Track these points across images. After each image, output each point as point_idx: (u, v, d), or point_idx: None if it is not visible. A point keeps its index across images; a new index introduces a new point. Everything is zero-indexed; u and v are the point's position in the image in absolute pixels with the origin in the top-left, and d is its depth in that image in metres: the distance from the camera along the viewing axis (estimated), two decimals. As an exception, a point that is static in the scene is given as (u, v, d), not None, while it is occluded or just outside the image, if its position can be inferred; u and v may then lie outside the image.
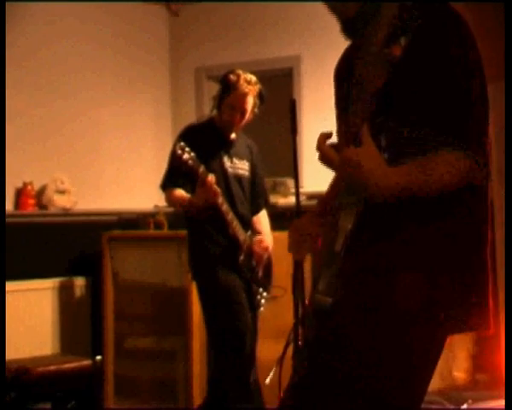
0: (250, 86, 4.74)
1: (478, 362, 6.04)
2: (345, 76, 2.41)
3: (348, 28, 2.34)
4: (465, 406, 5.09)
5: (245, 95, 4.73)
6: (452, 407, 4.99)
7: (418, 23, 2.12)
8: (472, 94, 2.18)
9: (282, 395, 2.42)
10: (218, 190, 4.64)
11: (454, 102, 2.16)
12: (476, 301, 2.24)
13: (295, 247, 2.52)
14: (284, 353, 2.55)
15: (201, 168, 4.60)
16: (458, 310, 2.22)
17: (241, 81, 4.73)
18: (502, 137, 5.73)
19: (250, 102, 4.77)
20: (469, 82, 2.19)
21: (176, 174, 4.77)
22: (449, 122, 2.15)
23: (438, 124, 2.15)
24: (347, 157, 2.13)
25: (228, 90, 4.75)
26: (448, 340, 2.28)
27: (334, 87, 2.49)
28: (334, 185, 2.42)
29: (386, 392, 2.17)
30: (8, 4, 5.36)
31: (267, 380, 3.60)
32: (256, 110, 4.84)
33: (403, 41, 2.04)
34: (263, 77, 5.02)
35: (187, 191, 4.76)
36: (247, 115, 4.81)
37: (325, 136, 2.22)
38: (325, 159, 2.22)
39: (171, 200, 4.88)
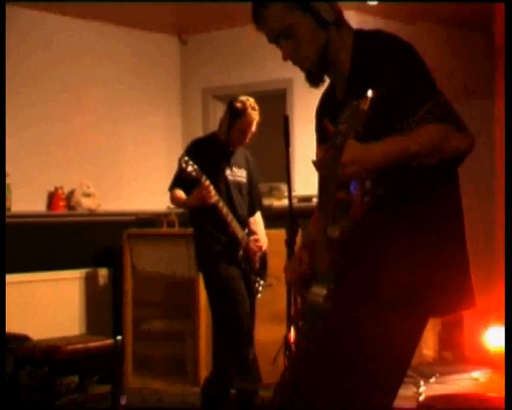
0: (255, 112, 4.75)
1: (444, 341, 6.04)
2: (325, 114, 2.36)
3: (309, 78, 2.30)
4: (433, 379, 5.10)
5: (253, 121, 4.75)
6: (423, 380, 4.99)
7: (373, 50, 2.16)
8: (436, 90, 2.16)
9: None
10: (213, 192, 4.65)
11: (428, 98, 2.13)
12: (458, 286, 2.21)
13: (292, 283, 2.47)
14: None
15: (203, 178, 4.60)
16: (441, 295, 2.18)
17: (249, 109, 4.72)
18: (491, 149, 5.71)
19: (255, 124, 4.80)
20: (432, 82, 2.18)
21: (180, 180, 4.79)
22: (430, 110, 2.12)
23: (422, 115, 2.12)
24: (347, 156, 2.08)
25: (238, 116, 4.74)
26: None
27: (315, 123, 2.45)
28: (315, 222, 2.36)
29: (377, 369, 2.14)
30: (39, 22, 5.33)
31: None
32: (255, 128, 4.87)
33: (370, 93, 2.00)
34: (260, 96, 5.03)
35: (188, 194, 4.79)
36: (252, 135, 4.84)
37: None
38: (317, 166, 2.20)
39: (172, 198, 4.89)
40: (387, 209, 2.20)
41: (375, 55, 2.18)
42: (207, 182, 4.61)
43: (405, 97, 2.13)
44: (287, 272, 2.49)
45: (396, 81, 2.11)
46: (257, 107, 4.78)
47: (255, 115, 4.75)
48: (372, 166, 2.11)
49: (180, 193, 4.78)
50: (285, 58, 2.29)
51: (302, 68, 2.29)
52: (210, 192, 4.62)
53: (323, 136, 2.25)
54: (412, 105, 2.13)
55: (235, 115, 4.74)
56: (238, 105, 4.74)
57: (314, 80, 2.29)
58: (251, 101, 4.77)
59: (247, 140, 4.84)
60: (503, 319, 5.61)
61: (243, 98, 4.77)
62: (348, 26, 2.30)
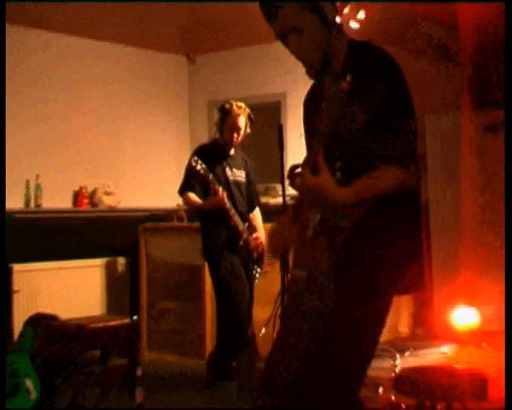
0: (240, 109, 4.78)
1: (417, 320, 6.05)
2: (311, 107, 2.37)
3: (311, 72, 2.27)
4: (407, 353, 5.11)
5: (237, 115, 4.76)
6: (398, 353, 5.00)
7: (361, 61, 2.13)
8: (408, 122, 2.14)
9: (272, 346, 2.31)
10: (226, 200, 4.69)
11: (392, 130, 2.11)
12: (415, 272, 2.22)
13: (272, 250, 2.44)
14: (274, 314, 2.44)
15: (210, 176, 4.63)
16: (402, 278, 2.18)
17: (234, 106, 4.78)
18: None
19: (242, 120, 4.79)
20: (407, 98, 2.16)
21: (190, 182, 4.80)
22: (388, 146, 2.10)
23: (380, 148, 2.10)
24: (309, 185, 2.12)
25: (225, 115, 4.79)
26: (394, 303, 2.22)
27: (304, 115, 2.45)
28: (299, 200, 2.37)
29: (353, 343, 2.10)
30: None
31: (261, 333, 3.60)
32: (249, 130, 4.87)
33: (349, 77, 1.99)
34: (258, 108, 5.05)
35: (197, 194, 4.80)
36: (242, 132, 4.83)
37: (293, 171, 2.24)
38: (294, 187, 2.26)
39: (187, 202, 4.90)
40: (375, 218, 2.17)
41: (365, 62, 2.16)
42: (220, 188, 4.65)
43: (389, 105, 2.11)
44: (271, 251, 2.46)
45: (383, 89, 2.08)
46: (243, 106, 4.80)
47: (240, 111, 4.76)
48: (327, 202, 2.14)
49: (194, 197, 4.80)
50: (291, 51, 2.24)
51: (306, 63, 2.25)
52: (223, 199, 4.66)
53: (310, 126, 2.28)
54: (392, 115, 2.12)
55: (224, 114, 4.79)
56: (226, 106, 4.80)
57: (314, 74, 2.26)
58: (236, 102, 4.83)
59: (239, 138, 4.82)
60: (468, 300, 5.64)
61: (232, 101, 4.84)
62: (344, 32, 2.27)
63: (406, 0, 5.00)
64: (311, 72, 2.26)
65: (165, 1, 4.95)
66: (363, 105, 2.05)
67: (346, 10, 5.28)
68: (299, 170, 2.22)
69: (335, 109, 2.01)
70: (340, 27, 2.24)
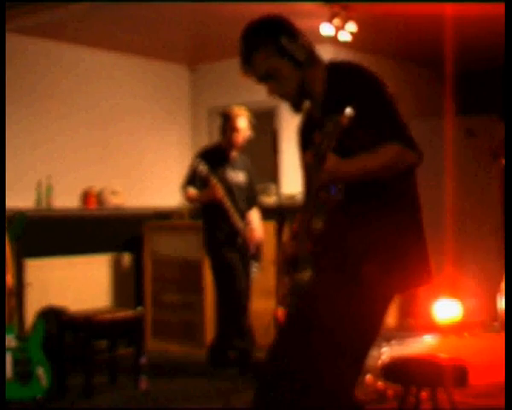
0: (241, 112, 4.81)
1: (403, 311, 6.06)
2: (305, 132, 2.38)
3: (292, 107, 2.30)
4: (394, 341, 5.10)
5: (238, 117, 4.78)
6: (385, 342, 5.00)
7: (344, 87, 2.15)
8: (396, 110, 2.17)
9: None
10: (220, 190, 4.69)
11: (389, 118, 2.14)
12: (416, 268, 2.19)
13: (282, 263, 2.38)
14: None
15: (212, 176, 4.63)
16: (402, 275, 2.16)
17: (234, 110, 4.81)
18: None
19: (242, 121, 4.81)
20: (392, 104, 2.18)
21: (191, 179, 4.81)
22: (389, 129, 2.13)
23: (383, 132, 2.13)
24: (326, 166, 2.10)
25: (227, 118, 4.82)
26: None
27: (298, 140, 2.43)
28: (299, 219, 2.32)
29: (352, 337, 2.10)
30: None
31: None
32: (249, 132, 4.87)
33: (348, 112, 2.02)
34: (254, 113, 5.04)
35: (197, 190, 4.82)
36: (243, 133, 4.83)
37: None
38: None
39: (186, 196, 4.91)
40: (358, 208, 2.18)
41: (344, 84, 2.18)
42: (215, 180, 4.65)
43: (371, 117, 2.13)
44: (279, 255, 2.48)
45: (363, 104, 2.09)
46: (243, 108, 4.85)
47: (240, 113, 4.80)
48: (341, 179, 2.12)
49: (192, 191, 4.81)
50: (270, 94, 2.30)
51: (288, 100, 2.30)
52: (217, 190, 4.66)
53: (306, 148, 2.27)
54: (376, 123, 2.13)
55: (226, 117, 4.82)
56: (227, 110, 4.87)
57: (295, 108, 2.31)
58: (237, 106, 4.87)
59: (240, 139, 4.83)
60: (450, 293, 5.65)
61: (232, 106, 4.89)
62: (319, 62, 2.29)
63: (402, 0, 4.96)
64: (292, 107, 2.30)
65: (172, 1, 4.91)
66: (359, 126, 2.08)
67: (336, 21, 5.25)
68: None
69: (333, 141, 2.05)
70: (313, 61, 2.27)
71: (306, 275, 2.17)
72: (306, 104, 2.31)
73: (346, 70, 2.24)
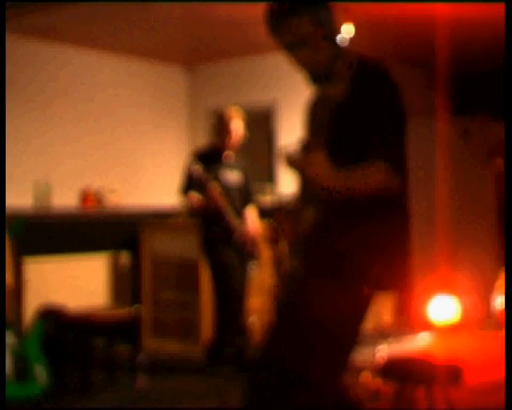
0: (234, 113, 4.80)
1: (399, 309, 6.05)
2: (313, 114, 2.37)
3: (317, 79, 2.27)
4: (389, 339, 5.10)
5: (232, 118, 4.78)
6: (380, 340, 4.99)
7: (359, 73, 2.15)
8: (400, 131, 2.16)
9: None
10: (217, 188, 4.68)
11: (387, 135, 2.14)
12: (397, 272, 2.22)
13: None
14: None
15: (207, 177, 4.62)
16: (384, 278, 2.18)
17: (228, 111, 4.80)
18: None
19: (236, 123, 4.80)
20: (402, 120, 2.17)
21: (188, 183, 4.80)
22: (384, 149, 2.12)
23: (377, 151, 2.12)
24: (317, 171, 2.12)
25: (221, 119, 4.82)
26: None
27: (305, 118, 2.41)
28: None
29: (336, 329, 2.11)
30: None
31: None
32: (244, 133, 4.86)
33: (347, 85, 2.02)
34: (251, 114, 5.04)
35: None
36: (237, 134, 4.82)
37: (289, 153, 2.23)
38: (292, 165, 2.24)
39: (190, 202, 4.87)
40: (348, 211, 2.18)
41: (369, 83, 2.18)
42: (210, 180, 4.63)
43: (378, 127, 2.13)
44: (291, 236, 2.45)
45: (377, 112, 2.11)
46: (237, 110, 4.84)
47: (234, 114, 4.79)
48: (330, 188, 2.13)
49: (195, 195, 4.76)
50: (294, 62, 2.24)
51: (312, 72, 2.25)
52: (214, 189, 4.65)
53: (312, 127, 2.30)
54: (379, 135, 2.14)
55: (220, 118, 4.83)
56: (221, 111, 4.87)
57: (316, 81, 2.26)
58: (231, 107, 4.88)
59: (235, 139, 4.82)
60: (445, 291, 5.63)
61: (226, 106, 4.91)
62: (349, 48, 2.28)
63: (398, 0, 4.93)
64: (314, 79, 2.26)
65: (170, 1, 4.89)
66: (365, 122, 2.10)
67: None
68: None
69: (339, 119, 2.06)
70: (345, 43, 2.26)
71: (309, 213, 2.20)
72: (325, 84, 2.27)
73: (374, 69, 2.22)
